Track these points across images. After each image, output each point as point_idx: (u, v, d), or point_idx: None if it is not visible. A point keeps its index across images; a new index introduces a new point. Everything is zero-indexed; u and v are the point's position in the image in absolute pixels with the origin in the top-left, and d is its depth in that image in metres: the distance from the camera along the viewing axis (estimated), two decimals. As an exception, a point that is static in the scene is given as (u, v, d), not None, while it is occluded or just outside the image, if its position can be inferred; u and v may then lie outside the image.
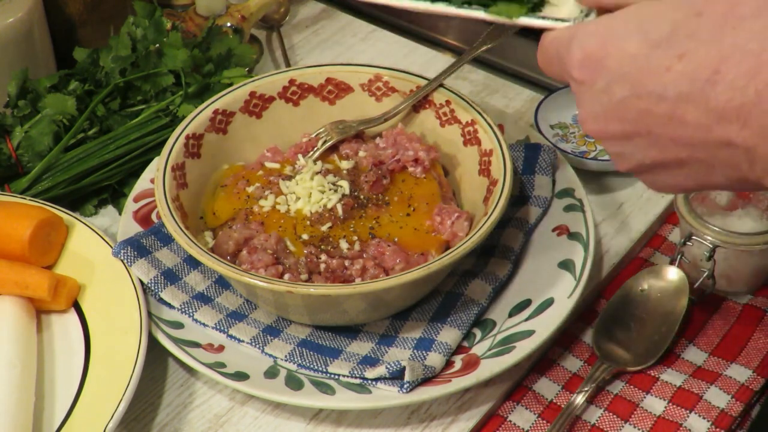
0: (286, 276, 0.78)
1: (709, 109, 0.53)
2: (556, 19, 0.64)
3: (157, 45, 1.02)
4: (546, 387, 0.80)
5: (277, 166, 0.88)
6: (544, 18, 0.65)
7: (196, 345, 0.79)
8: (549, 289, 0.81)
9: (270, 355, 0.79)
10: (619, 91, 0.57)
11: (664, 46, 0.55)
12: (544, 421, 0.77)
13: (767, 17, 0.52)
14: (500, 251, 0.86)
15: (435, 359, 0.76)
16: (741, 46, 0.52)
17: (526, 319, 0.79)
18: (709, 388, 0.78)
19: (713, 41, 0.53)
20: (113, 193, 0.98)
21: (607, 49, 0.57)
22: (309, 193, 0.84)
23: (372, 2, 0.71)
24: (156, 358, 0.81)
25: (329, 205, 0.83)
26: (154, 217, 0.90)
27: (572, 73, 0.60)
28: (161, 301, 0.82)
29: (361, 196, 0.85)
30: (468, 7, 0.67)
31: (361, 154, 0.89)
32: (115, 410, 0.72)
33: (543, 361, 0.82)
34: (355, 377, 0.76)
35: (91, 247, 0.86)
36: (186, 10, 1.18)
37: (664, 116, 0.56)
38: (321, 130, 0.90)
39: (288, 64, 1.17)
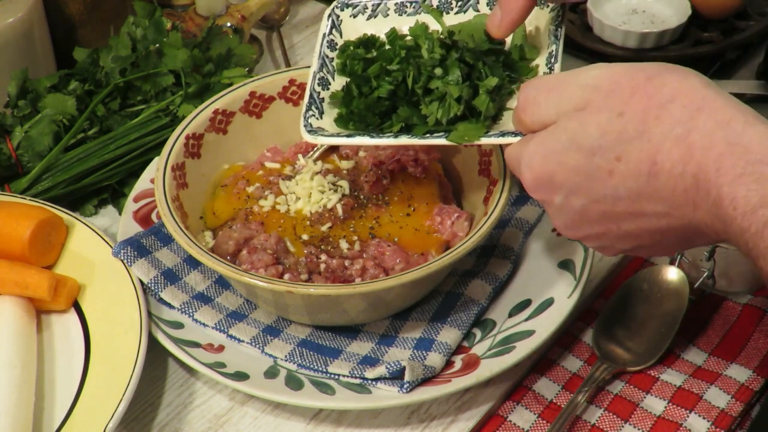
0: (286, 276, 0.78)
1: (661, 198, 0.56)
2: (513, 134, 0.69)
3: (157, 45, 1.02)
4: (546, 387, 0.80)
5: (277, 166, 0.88)
6: (501, 135, 0.70)
7: (196, 345, 0.79)
8: (549, 289, 0.81)
9: (270, 355, 0.79)
10: (577, 201, 0.60)
11: (599, 152, 0.57)
12: (544, 421, 0.77)
13: (684, 97, 0.55)
14: (500, 251, 0.86)
15: (435, 359, 0.76)
16: (668, 134, 0.55)
17: (526, 319, 0.79)
18: (709, 388, 0.78)
19: (641, 136, 0.55)
20: (113, 193, 0.98)
21: (550, 167, 0.60)
22: (309, 193, 0.84)
23: (340, 144, 0.77)
24: (156, 358, 0.81)
25: (329, 205, 0.83)
26: (154, 217, 0.90)
27: (531, 194, 0.64)
28: (161, 301, 0.82)
29: (361, 196, 0.85)
30: (430, 137, 0.73)
31: (361, 154, 0.89)
32: (115, 410, 0.72)
33: (543, 361, 0.82)
34: (355, 377, 0.76)
35: (91, 247, 0.86)
36: (186, 10, 1.18)
37: (625, 213, 0.59)
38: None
39: (288, 64, 1.17)
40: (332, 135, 0.75)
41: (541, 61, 0.76)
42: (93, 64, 1.02)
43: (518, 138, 0.67)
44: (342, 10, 0.82)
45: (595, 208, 0.60)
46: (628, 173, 0.57)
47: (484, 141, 0.71)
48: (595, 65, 0.61)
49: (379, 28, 0.81)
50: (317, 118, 0.77)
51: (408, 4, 0.81)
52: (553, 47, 0.75)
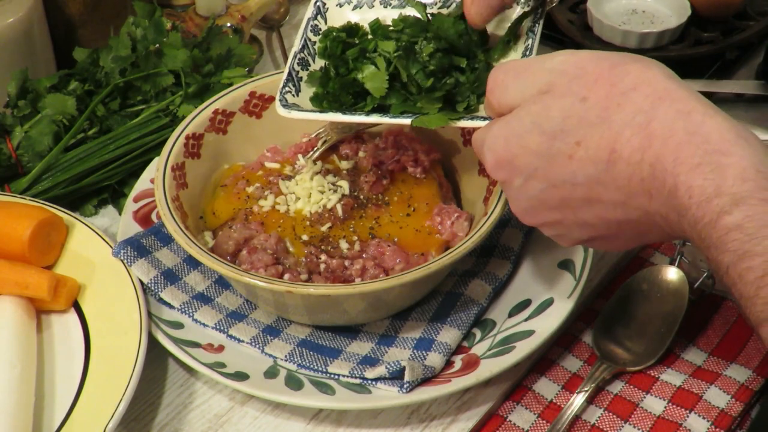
0: (286, 276, 0.78)
1: (618, 187, 0.57)
2: (482, 118, 0.70)
3: (157, 45, 1.02)
4: (546, 387, 0.80)
5: (277, 166, 0.88)
6: (471, 119, 0.72)
7: (196, 345, 0.79)
8: (549, 289, 0.81)
9: (270, 355, 0.79)
10: (537, 185, 0.61)
11: (560, 136, 0.58)
12: (544, 421, 0.77)
13: (646, 87, 0.55)
14: (500, 251, 0.86)
15: (435, 359, 0.76)
16: (628, 121, 0.55)
17: (526, 319, 0.79)
18: (709, 388, 0.78)
19: (603, 122, 0.56)
20: (113, 193, 0.98)
21: (512, 150, 0.61)
22: (309, 193, 0.84)
23: (308, 119, 0.77)
24: (156, 358, 0.81)
25: (329, 206, 0.83)
26: (154, 217, 0.90)
27: (493, 177, 0.65)
28: (161, 301, 0.82)
29: (361, 197, 0.85)
30: (399, 116, 0.75)
31: (361, 154, 0.89)
32: (115, 410, 0.72)
33: (543, 361, 0.82)
34: (355, 377, 0.76)
35: (91, 247, 0.86)
36: (186, 10, 1.18)
37: (582, 199, 0.59)
38: (321, 130, 0.90)
39: (288, 64, 1.17)
40: (306, 111, 0.77)
41: (516, 55, 0.77)
42: (93, 64, 1.02)
43: (486, 122, 0.67)
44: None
45: (554, 194, 0.60)
46: (588, 159, 0.57)
47: (452, 124, 0.72)
48: (563, 51, 0.61)
49: (364, 17, 0.82)
50: (293, 95, 0.79)
51: None
52: (530, 41, 0.76)
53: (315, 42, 0.82)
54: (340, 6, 0.84)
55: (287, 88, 0.79)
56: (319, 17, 0.83)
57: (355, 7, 0.84)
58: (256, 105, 0.92)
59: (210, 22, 1.08)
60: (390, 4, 0.83)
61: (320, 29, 0.83)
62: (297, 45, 0.82)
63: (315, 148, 0.89)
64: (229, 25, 1.14)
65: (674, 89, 0.55)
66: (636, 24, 1.16)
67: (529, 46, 0.76)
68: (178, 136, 0.86)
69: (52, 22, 1.07)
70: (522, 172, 0.61)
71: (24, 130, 0.96)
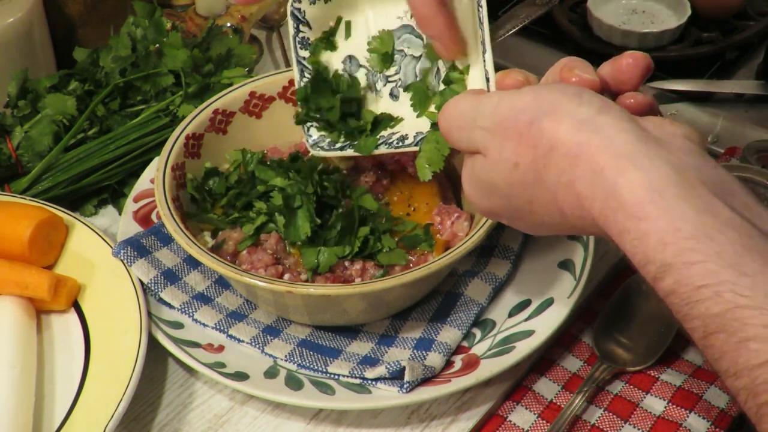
0: (286, 276, 0.78)
1: (579, 229, 0.59)
2: (413, 143, 0.75)
3: (157, 45, 1.02)
4: (546, 387, 0.80)
5: (277, 166, 0.88)
6: (399, 146, 0.76)
7: (196, 345, 0.79)
8: (549, 289, 0.81)
9: (270, 355, 0.79)
10: (521, 224, 0.65)
11: (513, 199, 0.61)
12: (544, 421, 0.77)
13: (561, 146, 0.55)
14: (500, 251, 0.86)
15: (435, 359, 0.76)
16: (557, 182, 0.56)
17: (526, 319, 0.80)
18: (708, 388, 0.78)
19: (539, 184, 0.58)
20: (113, 193, 0.98)
21: (484, 204, 0.65)
22: (309, 193, 0.84)
23: (334, 156, 0.82)
24: (156, 358, 0.81)
25: (329, 205, 0.83)
26: (154, 217, 0.90)
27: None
28: (161, 301, 0.82)
29: (361, 196, 0.85)
30: (344, 148, 0.80)
31: (361, 154, 0.89)
32: (115, 410, 0.72)
33: (543, 361, 0.82)
34: (355, 377, 0.76)
35: (91, 247, 0.86)
36: (186, 10, 1.18)
37: (566, 229, 0.61)
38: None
39: (288, 64, 1.17)
40: (331, 150, 0.81)
41: (474, 50, 0.72)
42: (93, 64, 1.02)
43: (410, 149, 0.75)
44: (299, 1, 0.81)
45: (541, 229, 0.64)
46: (544, 213, 0.59)
47: (382, 150, 0.77)
48: (493, 94, 0.62)
49: (341, 10, 0.81)
50: (316, 128, 0.82)
51: None
52: (480, 32, 0.69)
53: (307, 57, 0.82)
54: (313, 3, 0.81)
55: (309, 122, 0.82)
56: (301, 26, 0.82)
57: (326, 0, 0.81)
58: (256, 105, 0.92)
59: (210, 22, 1.08)
60: None
61: (308, 40, 0.82)
62: (296, 76, 0.82)
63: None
64: (229, 25, 1.14)
65: (585, 143, 0.54)
66: (636, 24, 1.16)
67: (482, 41, 0.69)
68: (178, 136, 0.86)
69: (52, 22, 1.07)
70: (503, 217, 0.65)
71: (24, 130, 0.96)
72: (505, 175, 0.59)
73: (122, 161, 0.97)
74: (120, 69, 1.00)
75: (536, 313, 0.80)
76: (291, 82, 0.92)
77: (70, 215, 0.89)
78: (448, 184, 0.88)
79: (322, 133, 0.82)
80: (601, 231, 0.54)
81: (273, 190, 0.82)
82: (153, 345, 0.79)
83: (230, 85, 0.97)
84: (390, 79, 0.81)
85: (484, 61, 0.69)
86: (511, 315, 0.81)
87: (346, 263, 0.79)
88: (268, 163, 0.86)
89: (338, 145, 0.81)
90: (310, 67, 0.82)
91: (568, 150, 0.54)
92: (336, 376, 0.77)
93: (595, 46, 1.16)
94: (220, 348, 0.79)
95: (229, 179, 0.86)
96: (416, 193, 0.85)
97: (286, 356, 0.78)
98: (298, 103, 0.82)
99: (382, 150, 0.78)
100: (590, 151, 0.53)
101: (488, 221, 0.76)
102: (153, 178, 0.84)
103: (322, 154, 0.81)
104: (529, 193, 0.59)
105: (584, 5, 1.18)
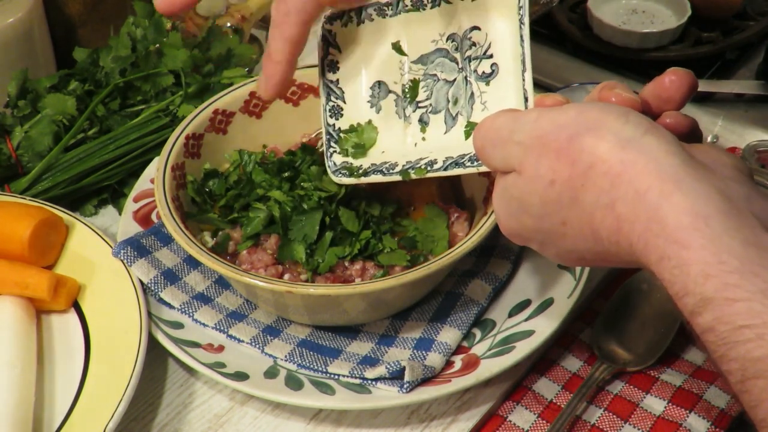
0: (286, 276, 0.78)
1: (612, 256, 0.55)
2: (441, 168, 0.73)
3: (157, 45, 1.02)
4: (546, 387, 0.80)
5: (277, 166, 0.88)
6: (429, 170, 0.73)
7: (196, 345, 0.79)
8: (549, 289, 0.81)
9: (270, 355, 0.79)
10: (551, 250, 0.62)
11: (546, 218, 0.58)
12: (544, 421, 0.77)
13: (601, 164, 0.52)
14: (500, 251, 0.86)
15: (435, 359, 0.76)
16: (595, 203, 0.53)
17: (526, 319, 0.80)
18: (708, 388, 0.78)
19: (575, 204, 0.55)
20: (113, 193, 0.98)
21: (513, 227, 0.62)
22: (309, 193, 0.84)
23: (357, 183, 0.79)
24: (156, 358, 0.81)
25: (329, 205, 0.83)
26: (154, 217, 0.90)
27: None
28: (161, 301, 0.83)
29: (361, 196, 0.85)
30: (368, 173, 0.77)
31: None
32: (115, 410, 0.72)
33: (543, 361, 0.82)
34: (355, 377, 0.76)
35: (91, 247, 0.86)
36: (186, 10, 1.18)
37: (594, 257, 0.58)
38: (321, 130, 0.90)
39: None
40: (351, 176, 0.78)
41: (516, 66, 0.70)
42: (93, 64, 1.02)
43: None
44: (331, 23, 0.79)
45: (570, 255, 0.60)
46: (577, 236, 0.56)
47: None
48: (532, 110, 0.59)
49: (373, 35, 0.79)
50: (339, 153, 0.80)
51: (386, 7, 0.78)
52: (521, 50, 0.67)
53: (336, 81, 0.80)
54: (345, 26, 0.79)
55: (332, 149, 0.80)
56: (331, 49, 0.80)
57: (358, 23, 0.79)
58: (256, 105, 0.92)
59: (210, 22, 1.08)
60: (386, 14, 0.78)
61: (337, 63, 0.80)
62: (322, 98, 0.80)
63: (315, 148, 0.89)
64: (229, 25, 1.14)
65: (631, 162, 0.51)
66: (636, 24, 1.16)
67: (523, 59, 0.67)
68: (178, 136, 0.86)
69: (52, 22, 1.07)
70: (533, 241, 0.62)
71: (24, 130, 0.96)
72: (540, 193, 0.56)
73: (122, 161, 0.97)
74: (120, 69, 1.00)
75: (536, 313, 0.80)
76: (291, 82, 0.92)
77: (70, 215, 0.89)
78: (448, 184, 0.88)
79: (346, 159, 0.79)
80: (636, 259, 0.52)
81: (271, 198, 0.81)
82: (153, 345, 0.79)
83: (230, 85, 0.97)
84: (420, 105, 0.78)
85: (524, 80, 0.67)
86: (511, 315, 0.81)
87: (346, 263, 0.79)
88: (268, 164, 0.85)
89: (362, 170, 0.78)
90: (337, 91, 0.80)
91: (609, 168, 0.52)
92: (336, 376, 0.77)
93: (595, 46, 1.16)
94: (220, 348, 0.79)
95: (228, 179, 0.86)
96: (416, 193, 0.85)
97: (286, 356, 0.78)
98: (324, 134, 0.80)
99: (411, 175, 0.75)
100: (634, 170, 0.51)
101: (488, 221, 0.76)
102: (153, 178, 0.84)
103: (345, 181, 0.78)
104: (564, 213, 0.56)
105: (584, 5, 1.18)
